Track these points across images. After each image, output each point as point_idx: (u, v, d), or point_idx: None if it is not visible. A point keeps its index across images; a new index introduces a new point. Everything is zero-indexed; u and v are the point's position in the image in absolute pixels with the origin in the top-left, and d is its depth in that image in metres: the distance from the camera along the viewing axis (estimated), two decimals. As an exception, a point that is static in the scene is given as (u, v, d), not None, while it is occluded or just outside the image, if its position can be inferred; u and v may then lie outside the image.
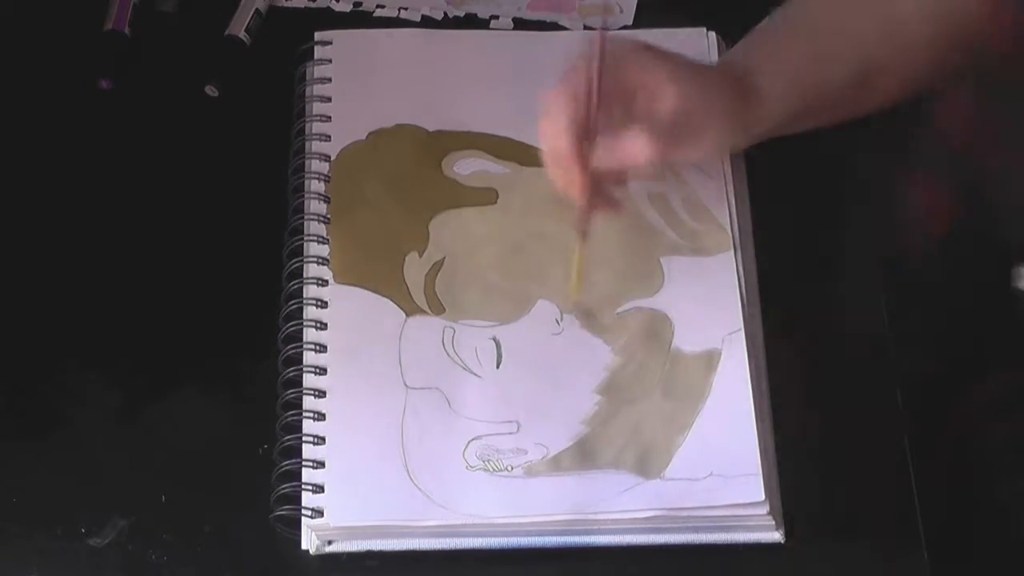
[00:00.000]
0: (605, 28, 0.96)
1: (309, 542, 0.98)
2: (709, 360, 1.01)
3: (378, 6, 1.21)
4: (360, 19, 1.20)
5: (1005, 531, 1.03)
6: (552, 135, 0.97)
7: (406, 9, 1.20)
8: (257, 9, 1.19)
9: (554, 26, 1.19)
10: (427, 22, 1.20)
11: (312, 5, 1.21)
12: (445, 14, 1.20)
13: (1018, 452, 1.07)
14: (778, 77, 1.01)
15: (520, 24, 1.20)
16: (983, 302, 1.09)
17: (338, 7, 1.21)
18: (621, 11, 1.20)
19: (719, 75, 1.01)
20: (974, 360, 1.04)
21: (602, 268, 1.05)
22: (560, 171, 0.98)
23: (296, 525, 0.98)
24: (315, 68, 1.15)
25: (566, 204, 1.02)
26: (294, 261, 1.06)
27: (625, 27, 1.19)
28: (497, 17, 1.20)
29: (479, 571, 0.98)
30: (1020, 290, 1.05)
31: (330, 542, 0.98)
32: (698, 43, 1.14)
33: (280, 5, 1.21)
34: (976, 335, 1.08)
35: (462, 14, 1.20)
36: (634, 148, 0.95)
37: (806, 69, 1.02)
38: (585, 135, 0.96)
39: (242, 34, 1.18)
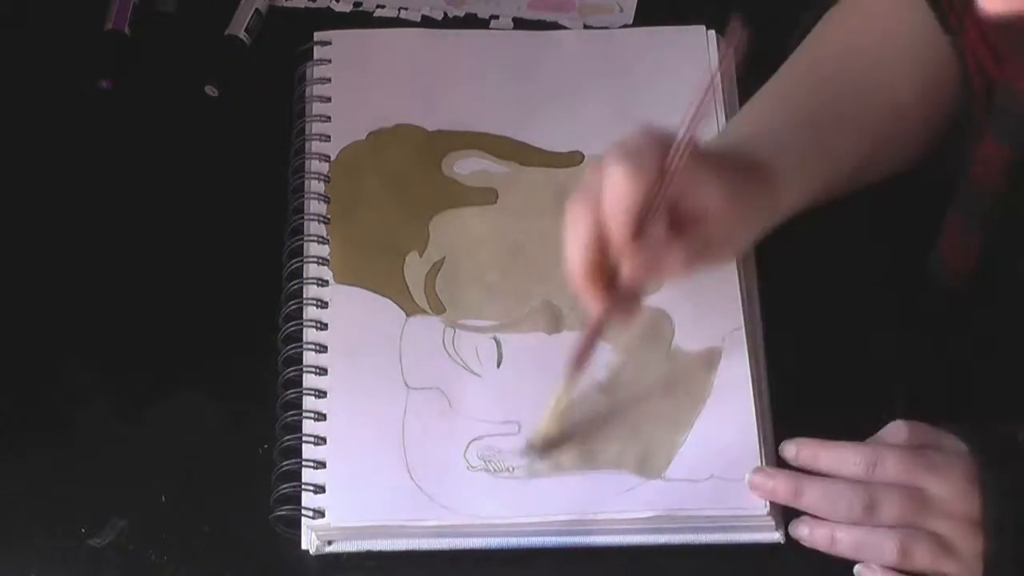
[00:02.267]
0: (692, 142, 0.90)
1: (309, 542, 0.98)
2: (710, 359, 1.01)
3: (378, 6, 1.21)
4: (360, 19, 1.20)
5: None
6: (573, 252, 0.92)
7: (406, 9, 1.20)
8: (257, 9, 1.19)
9: (555, 26, 1.19)
10: (427, 22, 1.20)
11: (312, 5, 1.21)
12: (445, 14, 1.20)
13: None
14: (794, 173, 0.98)
15: (520, 24, 1.20)
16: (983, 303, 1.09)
17: (338, 7, 1.21)
18: (621, 10, 1.20)
19: (744, 175, 0.96)
20: (975, 360, 1.04)
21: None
22: (581, 286, 0.93)
23: (296, 525, 0.98)
24: (314, 68, 1.15)
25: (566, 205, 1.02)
26: (294, 261, 1.06)
27: (625, 26, 1.19)
28: (497, 17, 1.20)
29: (479, 571, 0.98)
30: None
31: (330, 542, 0.98)
32: (697, 42, 1.14)
33: (280, 5, 1.21)
34: (976, 335, 1.08)
35: (462, 14, 1.20)
36: (674, 263, 0.92)
37: (817, 164, 1.00)
38: (604, 246, 0.91)
39: (242, 34, 1.18)
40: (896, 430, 0.96)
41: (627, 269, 0.91)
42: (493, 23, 1.20)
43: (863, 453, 0.95)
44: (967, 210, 1.00)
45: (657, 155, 0.90)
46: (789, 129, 1.00)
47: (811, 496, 0.94)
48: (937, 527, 0.93)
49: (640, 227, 0.90)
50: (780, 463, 0.98)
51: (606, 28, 1.18)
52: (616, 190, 0.90)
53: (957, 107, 1.02)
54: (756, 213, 0.96)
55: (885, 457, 0.94)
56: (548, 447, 0.98)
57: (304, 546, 0.98)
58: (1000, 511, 0.91)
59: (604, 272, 0.92)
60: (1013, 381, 1.00)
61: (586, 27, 1.19)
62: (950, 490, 0.93)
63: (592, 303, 0.93)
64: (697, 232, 0.92)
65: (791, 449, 0.97)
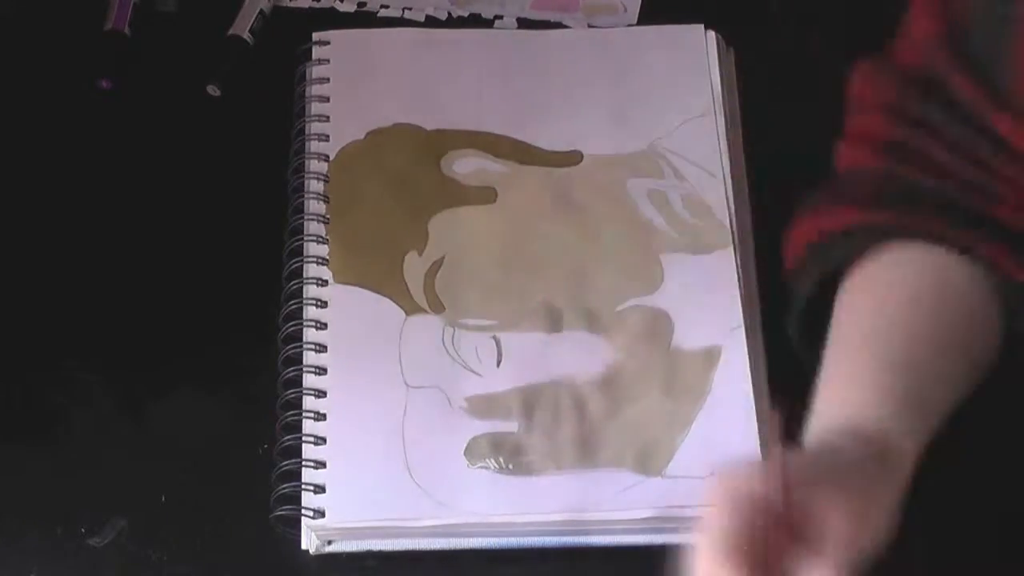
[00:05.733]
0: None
1: (309, 542, 0.97)
2: (709, 357, 1.01)
3: (382, 6, 1.21)
4: (364, 19, 1.20)
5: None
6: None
7: (410, 9, 1.21)
8: (261, 10, 1.19)
9: (559, 25, 1.19)
10: (431, 22, 1.20)
11: (316, 5, 1.21)
12: (449, 14, 1.20)
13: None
14: (914, 430, 0.86)
15: (524, 24, 1.20)
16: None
17: (342, 7, 1.21)
18: (625, 10, 1.20)
19: (863, 459, 0.84)
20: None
21: (601, 266, 1.05)
22: None
23: (296, 525, 0.98)
24: (313, 68, 1.15)
25: (566, 204, 1.02)
26: (294, 261, 1.06)
27: (629, 25, 1.19)
28: (501, 17, 1.20)
29: (479, 571, 0.98)
30: None
31: (330, 542, 0.98)
32: (696, 41, 1.13)
33: (284, 5, 1.21)
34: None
35: (466, 14, 1.20)
36: None
37: (932, 404, 0.88)
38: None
39: (246, 34, 1.18)
40: None
41: None
42: (497, 23, 1.20)
43: None
44: None
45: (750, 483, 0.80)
46: (888, 383, 0.88)
47: None
48: None
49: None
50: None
51: (610, 28, 1.18)
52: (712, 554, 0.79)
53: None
54: (890, 499, 0.84)
55: None
56: None
57: (304, 546, 0.97)
58: None
59: None
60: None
61: (590, 27, 1.19)
62: None
63: None
64: (843, 556, 0.80)
65: None
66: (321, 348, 1.03)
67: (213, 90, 1.16)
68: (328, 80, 1.14)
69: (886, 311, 0.90)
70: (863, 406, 0.86)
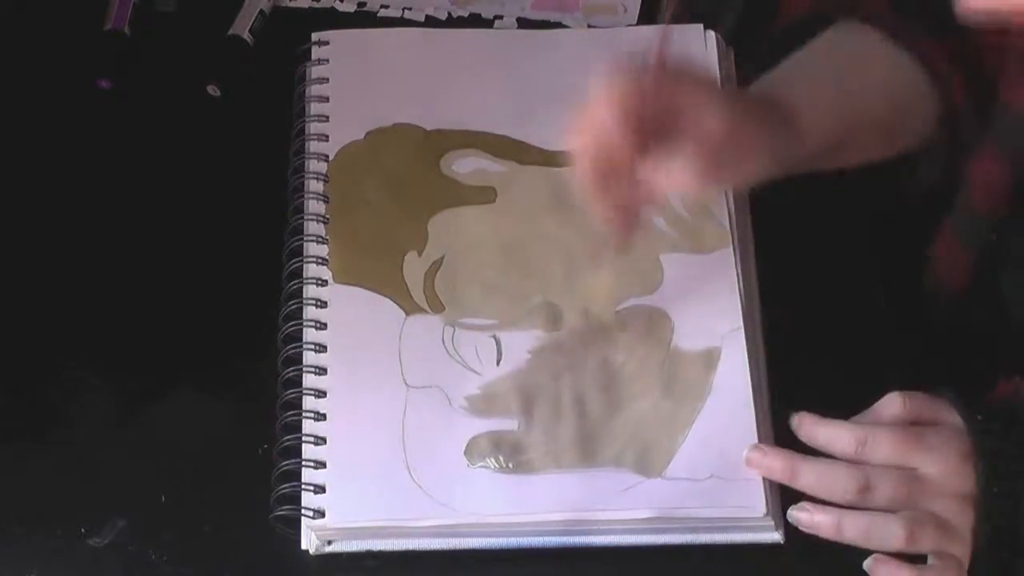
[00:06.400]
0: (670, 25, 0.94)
1: (309, 542, 0.98)
2: (709, 358, 1.01)
3: (382, 6, 1.21)
4: (364, 19, 1.20)
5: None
6: (603, 126, 0.92)
7: (410, 9, 1.21)
8: (261, 10, 1.19)
9: (559, 26, 1.19)
10: (431, 22, 1.20)
11: (316, 5, 1.21)
12: (449, 14, 1.20)
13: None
14: (812, 109, 0.99)
15: (524, 24, 1.20)
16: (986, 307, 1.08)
17: (342, 7, 1.21)
18: (625, 10, 1.20)
19: (758, 100, 0.99)
20: (974, 361, 1.04)
21: (601, 266, 1.05)
22: (599, 177, 0.93)
23: (296, 525, 0.98)
24: (313, 68, 1.15)
25: (565, 204, 1.02)
26: (294, 261, 1.06)
27: (629, 25, 1.19)
28: (501, 17, 1.20)
29: (479, 571, 0.98)
30: None
31: (330, 542, 0.98)
32: (696, 41, 1.13)
33: (284, 5, 1.21)
34: (974, 335, 1.08)
35: (466, 14, 1.20)
36: (682, 173, 0.92)
37: (837, 103, 1.01)
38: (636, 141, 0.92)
39: (246, 34, 1.18)
40: (890, 403, 0.97)
41: (630, 179, 0.93)
42: (497, 23, 1.20)
43: (854, 431, 0.95)
44: (963, 228, 1.01)
45: (639, 77, 0.92)
46: (806, 81, 1.02)
47: (807, 477, 0.94)
48: (935, 507, 0.93)
49: (640, 140, 0.91)
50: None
51: (610, 28, 1.18)
52: (610, 106, 0.92)
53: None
54: (769, 141, 0.96)
55: (877, 436, 0.95)
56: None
57: (304, 546, 0.98)
58: (992, 488, 0.92)
59: (611, 183, 0.93)
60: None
61: (590, 27, 1.19)
62: (943, 469, 0.93)
63: (601, 210, 0.95)
64: (702, 151, 0.92)
65: (794, 422, 0.97)
66: (321, 348, 1.03)
67: (213, 90, 1.16)
68: (328, 80, 1.13)
69: (811, 57, 1.04)
70: (770, 86, 1.01)
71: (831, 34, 1.05)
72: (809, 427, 0.97)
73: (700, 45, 1.13)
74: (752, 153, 0.96)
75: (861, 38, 1.04)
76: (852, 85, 1.03)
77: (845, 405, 0.98)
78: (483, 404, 1.01)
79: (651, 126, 0.91)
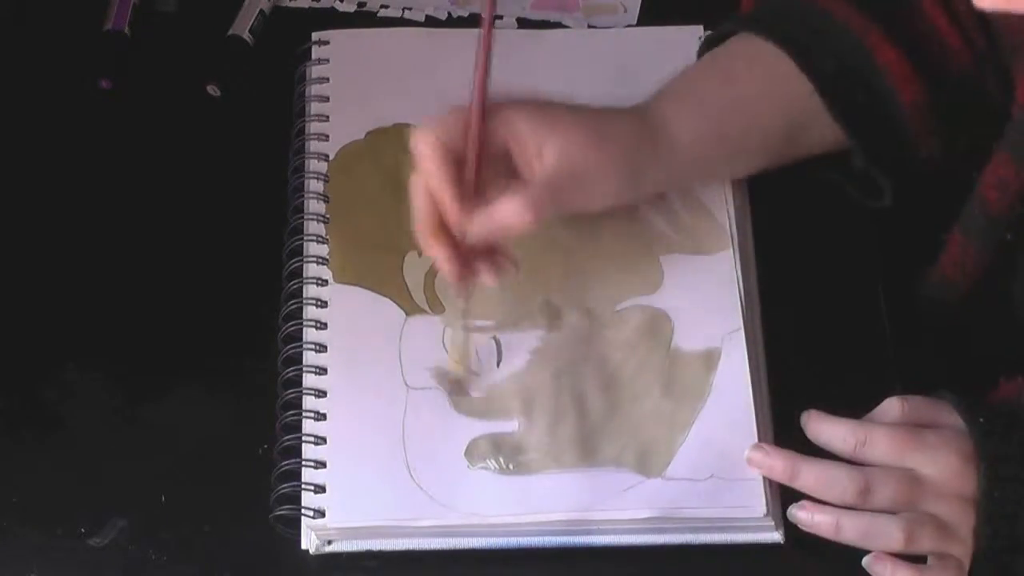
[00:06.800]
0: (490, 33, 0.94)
1: (309, 542, 0.98)
2: (709, 359, 1.01)
3: (382, 6, 1.21)
4: (364, 19, 1.20)
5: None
6: (427, 175, 0.95)
7: (410, 9, 1.20)
8: (261, 10, 1.19)
9: (559, 26, 1.19)
10: (431, 22, 1.20)
11: (316, 5, 1.21)
12: (449, 14, 1.20)
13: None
14: (688, 116, 1.01)
15: (524, 24, 1.20)
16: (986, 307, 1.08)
17: (342, 7, 1.21)
18: (625, 10, 1.20)
19: (617, 119, 1.00)
20: (975, 363, 1.04)
21: (601, 265, 1.05)
22: (428, 226, 0.96)
23: (296, 525, 0.98)
24: (313, 68, 1.15)
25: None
26: (294, 261, 1.06)
27: (629, 26, 1.19)
28: (501, 17, 1.20)
29: (479, 571, 0.98)
30: None
31: (330, 542, 0.98)
32: (695, 41, 1.13)
33: (284, 5, 1.21)
34: (977, 337, 1.08)
35: (466, 14, 1.20)
36: (508, 213, 0.94)
37: (721, 112, 1.03)
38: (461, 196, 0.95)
39: (246, 34, 1.18)
40: (889, 407, 0.97)
41: (457, 223, 0.95)
42: (497, 23, 1.19)
43: (854, 430, 0.96)
44: (973, 228, 1.01)
45: (461, 119, 0.95)
46: (690, 90, 1.04)
47: (807, 477, 0.95)
48: (935, 509, 0.93)
49: (460, 185, 0.94)
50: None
51: (610, 28, 1.18)
52: (426, 158, 0.95)
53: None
54: (623, 157, 0.98)
55: (876, 435, 0.95)
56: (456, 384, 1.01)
57: (304, 546, 0.98)
58: (994, 491, 0.92)
59: (446, 230, 0.96)
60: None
61: (590, 27, 1.19)
62: (943, 470, 0.94)
63: (439, 258, 0.97)
64: (534, 184, 0.95)
65: (803, 419, 0.98)
66: (321, 348, 1.03)
67: (213, 90, 1.16)
68: (328, 80, 1.14)
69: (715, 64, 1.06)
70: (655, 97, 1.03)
71: (734, 40, 1.06)
72: (816, 423, 0.97)
73: (696, 43, 1.13)
74: (597, 180, 0.98)
75: (756, 43, 1.05)
76: (738, 91, 1.03)
77: (845, 406, 0.98)
78: (484, 405, 1.01)
79: (478, 168, 0.94)
